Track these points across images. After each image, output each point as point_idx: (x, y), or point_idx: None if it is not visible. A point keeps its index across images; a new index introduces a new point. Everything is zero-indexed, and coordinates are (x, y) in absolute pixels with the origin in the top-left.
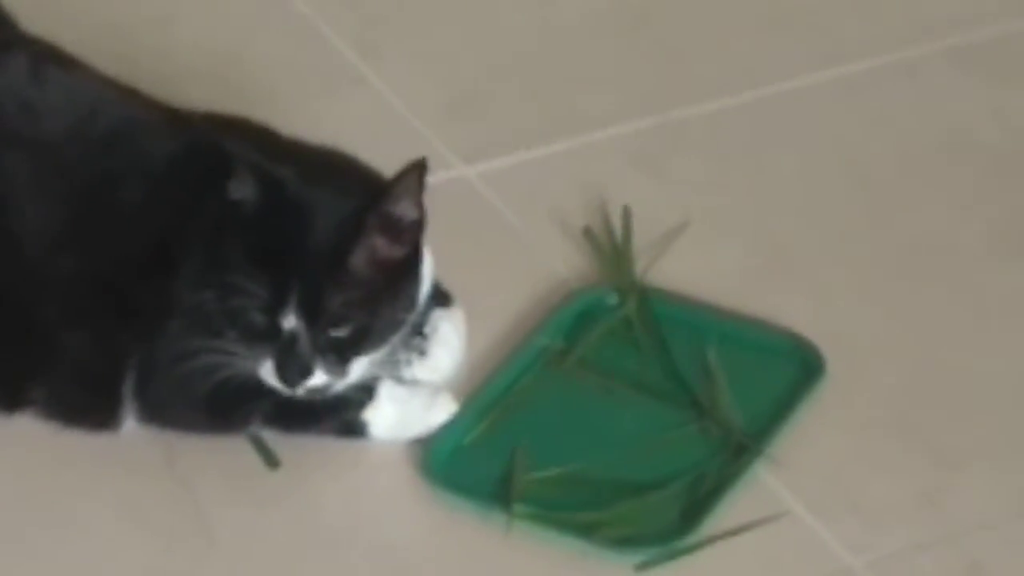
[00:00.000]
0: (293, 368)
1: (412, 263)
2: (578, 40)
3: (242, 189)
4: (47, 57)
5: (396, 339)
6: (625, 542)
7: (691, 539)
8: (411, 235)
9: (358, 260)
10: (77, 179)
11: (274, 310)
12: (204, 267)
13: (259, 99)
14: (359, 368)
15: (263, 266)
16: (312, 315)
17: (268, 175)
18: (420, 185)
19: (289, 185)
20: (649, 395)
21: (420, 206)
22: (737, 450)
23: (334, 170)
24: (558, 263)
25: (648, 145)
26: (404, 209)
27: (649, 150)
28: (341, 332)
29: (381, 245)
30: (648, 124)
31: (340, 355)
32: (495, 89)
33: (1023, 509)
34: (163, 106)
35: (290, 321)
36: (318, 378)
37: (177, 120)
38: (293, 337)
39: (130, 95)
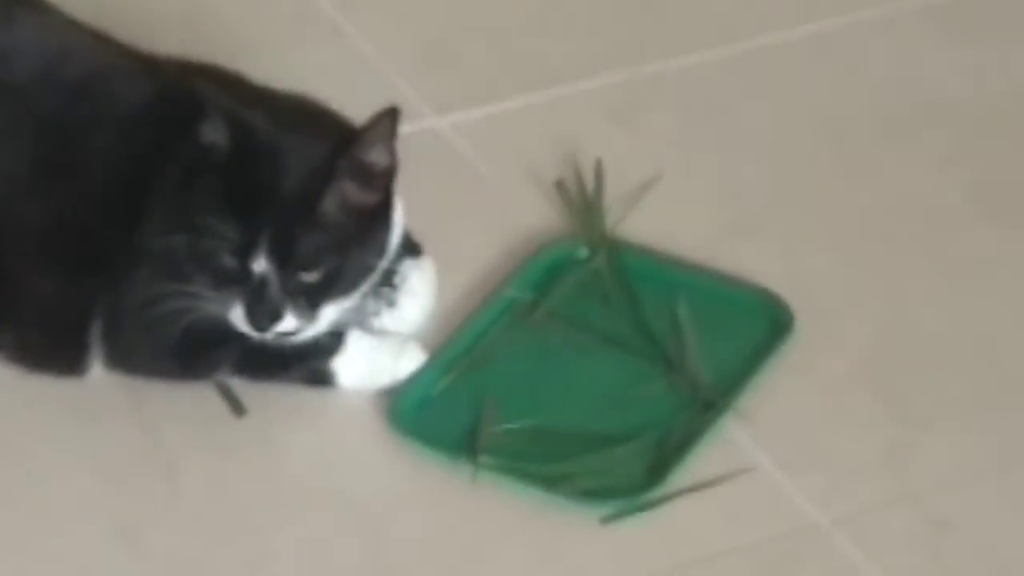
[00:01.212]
0: (263, 312)
1: (383, 210)
2: None
3: (213, 133)
4: (17, 0)
5: (366, 286)
6: (591, 495)
7: (657, 493)
8: (382, 182)
9: (329, 205)
10: (47, 124)
11: (244, 253)
12: (174, 211)
13: (232, 47)
14: (329, 314)
15: (234, 209)
16: (283, 258)
17: (240, 119)
18: (392, 132)
19: (261, 129)
20: (618, 349)
21: (392, 153)
22: (705, 405)
23: (306, 116)
24: (529, 216)
25: (621, 99)
26: (376, 155)
27: (622, 104)
28: (311, 276)
29: (352, 191)
30: (622, 78)
31: (310, 300)
32: (469, 40)
33: (989, 467)
34: (134, 52)
35: (260, 264)
36: (287, 323)
37: (148, 66)
38: (263, 281)
39: (101, 40)
